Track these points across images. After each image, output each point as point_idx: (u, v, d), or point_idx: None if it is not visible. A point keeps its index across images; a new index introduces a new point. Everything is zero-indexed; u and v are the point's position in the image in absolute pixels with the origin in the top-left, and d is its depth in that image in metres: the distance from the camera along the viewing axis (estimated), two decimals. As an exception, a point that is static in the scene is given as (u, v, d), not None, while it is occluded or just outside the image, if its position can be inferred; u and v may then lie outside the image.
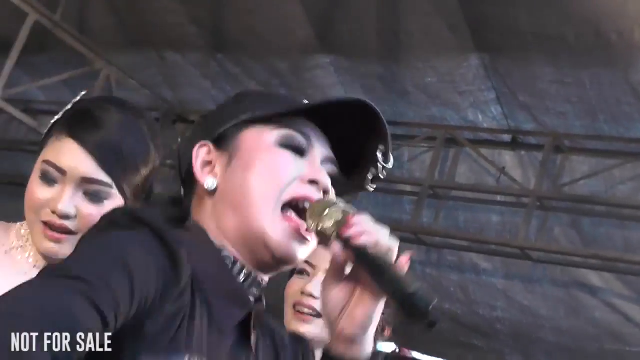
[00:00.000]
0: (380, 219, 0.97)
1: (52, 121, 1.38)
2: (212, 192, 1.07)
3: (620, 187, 3.89)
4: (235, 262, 1.04)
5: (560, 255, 4.01)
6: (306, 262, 1.72)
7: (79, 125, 1.32)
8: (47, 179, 1.32)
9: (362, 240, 0.98)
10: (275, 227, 1.03)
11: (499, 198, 4.11)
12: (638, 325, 3.94)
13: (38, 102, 4.95)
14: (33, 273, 0.85)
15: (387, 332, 1.85)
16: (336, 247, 1.00)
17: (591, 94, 3.72)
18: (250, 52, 4.27)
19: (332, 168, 1.09)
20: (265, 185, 1.04)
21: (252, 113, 1.09)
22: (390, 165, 1.09)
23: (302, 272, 1.79)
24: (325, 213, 1.03)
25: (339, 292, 1.02)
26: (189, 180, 1.10)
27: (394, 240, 0.98)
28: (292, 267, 1.11)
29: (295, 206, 1.03)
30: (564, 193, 3.95)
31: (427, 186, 4.10)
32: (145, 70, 4.64)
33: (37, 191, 1.31)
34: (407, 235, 3.96)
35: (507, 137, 4.05)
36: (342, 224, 1.00)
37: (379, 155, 1.09)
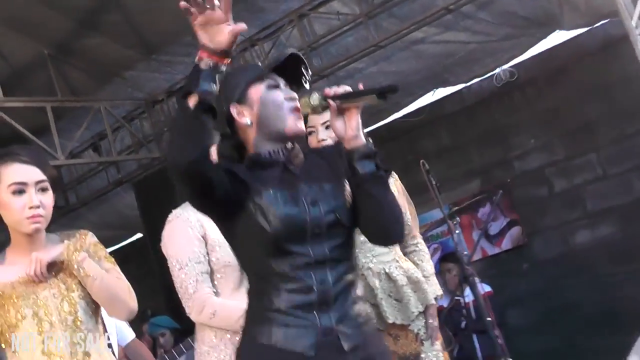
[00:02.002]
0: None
1: None
2: (250, 126, 1.88)
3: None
4: (268, 152, 1.87)
5: (399, 34, 5.83)
6: (310, 126, 2.87)
7: None
8: None
9: (341, 90, 1.82)
10: (292, 125, 1.88)
11: (346, 27, 6.10)
12: (462, 42, 6.10)
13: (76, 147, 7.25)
14: None
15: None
16: (331, 102, 1.80)
17: None
18: (169, 41, 6.30)
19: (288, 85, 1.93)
20: (277, 108, 1.88)
21: (246, 80, 1.89)
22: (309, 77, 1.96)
23: (310, 133, 2.88)
24: (312, 100, 1.84)
25: (340, 122, 1.84)
26: (231, 124, 1.90)
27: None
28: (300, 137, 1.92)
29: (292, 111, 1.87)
30: (376, 4, 5.96)
31: (307, 47, 6.09)
32: (118, 90, 6.87)
33: None
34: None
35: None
36: (324, 95, 1.81)
37: (304, 70, 1.94)
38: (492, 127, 6.80)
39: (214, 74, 1.72)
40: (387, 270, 3.11)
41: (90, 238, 2.52)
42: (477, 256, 6.68)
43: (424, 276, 3.20)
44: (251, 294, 1.88)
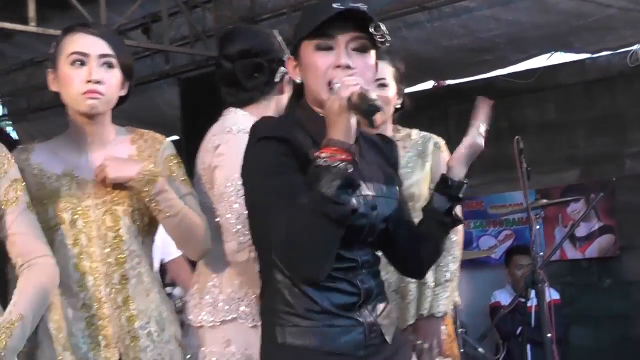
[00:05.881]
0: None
1: None
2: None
3: None
4: None
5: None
6: (379, 78, 2.90)
7: None
8: None
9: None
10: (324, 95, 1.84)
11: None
12: (601, 4, 5.85)
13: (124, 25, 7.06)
14: None
15: None
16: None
17: None
18: None
19: (358, 42, 1.89)
20: (316, 76, 1.89)
21: (301, 35, 1.91)
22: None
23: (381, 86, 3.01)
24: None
25: None
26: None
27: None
28: None
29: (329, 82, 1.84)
30: None
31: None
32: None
33: None
34: (413, 8, 6.11)
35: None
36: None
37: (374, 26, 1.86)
38: (611, 113, 6.72)
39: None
40: None
41: (166, 149, 2.47)
42: (553, 257, 6.67)
43: (438, 283, 3.12)
44: (278, 288, 1.94)
